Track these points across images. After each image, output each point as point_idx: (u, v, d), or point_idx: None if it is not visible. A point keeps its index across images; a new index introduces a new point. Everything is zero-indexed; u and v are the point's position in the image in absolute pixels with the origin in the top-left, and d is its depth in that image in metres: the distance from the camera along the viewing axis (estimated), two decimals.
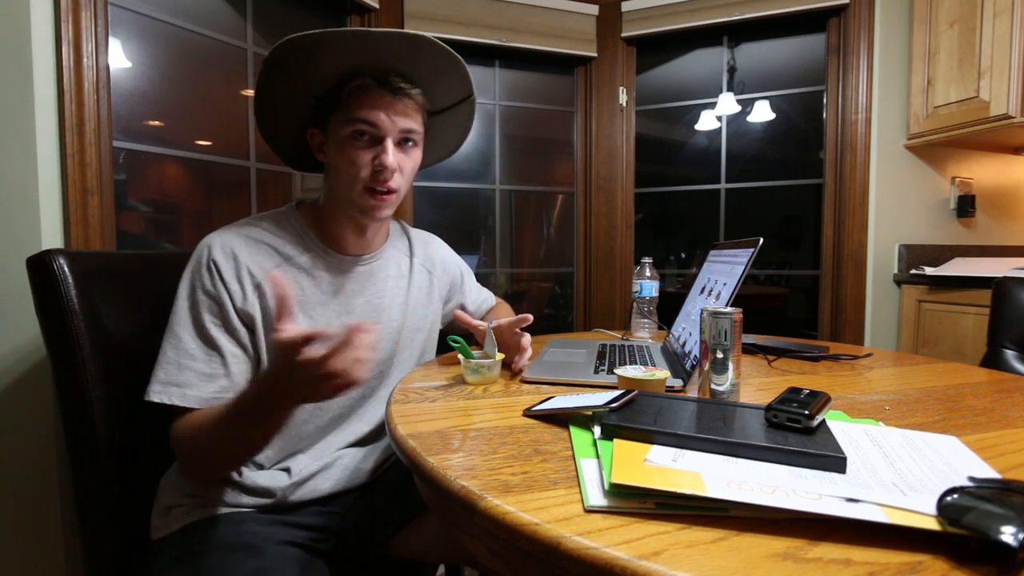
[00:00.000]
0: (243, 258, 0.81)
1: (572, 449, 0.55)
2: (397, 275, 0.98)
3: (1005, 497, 0.38)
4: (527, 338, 0.91)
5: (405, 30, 0.79)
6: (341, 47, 0.79)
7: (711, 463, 0.47)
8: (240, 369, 0.79)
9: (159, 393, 0.74)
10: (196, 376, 0.75)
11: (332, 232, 0.90)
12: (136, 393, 0.83)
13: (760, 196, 2.28)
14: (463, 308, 1.17)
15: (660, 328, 1.35)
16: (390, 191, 0.84)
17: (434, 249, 1.09)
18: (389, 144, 0.82)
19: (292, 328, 0.59)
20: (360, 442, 0.92)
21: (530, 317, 0.90)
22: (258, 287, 0.81)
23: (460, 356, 0.84)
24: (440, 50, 0.83)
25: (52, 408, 1.10)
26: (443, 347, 1.04)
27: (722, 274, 0.90)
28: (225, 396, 0.76)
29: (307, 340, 0.58)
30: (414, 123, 0.85)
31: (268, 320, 0.81)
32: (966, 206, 2.08)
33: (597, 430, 0.56)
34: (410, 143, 0.86)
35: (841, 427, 0.57)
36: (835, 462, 0.46)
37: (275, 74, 0.82)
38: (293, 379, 0.61)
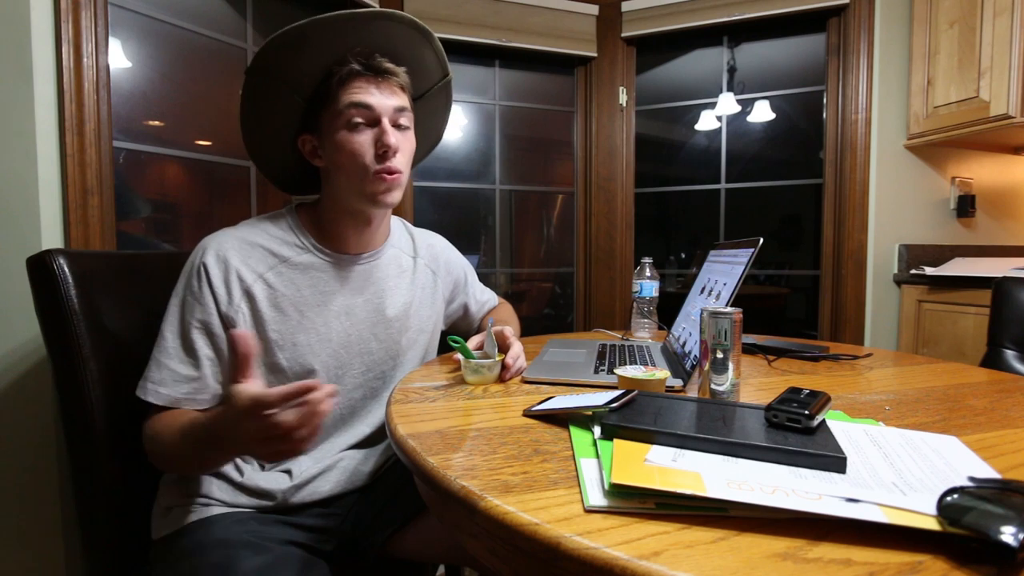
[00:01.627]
0: (234, 262, 0.81)
1: (572, 449, 0.55)
2: (398, 274, 0.97)
3: (1005, 497, 0.38)
4: (515, 349, 0.89)
5: (375, 8, 0.79)
6: (321, 40, 0.79)
7: (711, 463, 0.47)
8: (213, 372, 0.80)
9: (139, 388, 0.76)
10: (171, 375, 0.77)
11: (331, 232, 0.89)
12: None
13: (760, 196, 2.28)
14: (466, 308, 1.17)
15: (660, 328, 1.35)
16: (396, 171, 0.83)
17: (439, 249, 1.09)
18: (386, 123, 0.82)
19: (247, 388, 0.58)
20: (362, 444, 0.92)
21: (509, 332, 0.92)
22: (247, 292, 0.81)
23: (460, 356, 0.84)
24: (413, 25, 0.84)
25: (52, 408, 1.10)
26: (443, 347, 1.04)
27: (722, 274, 0.90)
28: (198, 398, 0.78)
29: (258, 403, 0.56)
30: (403, 102, 0.85)
31: (259, 324, 0.81)
32: (966, 206, 2.08)
33: (597, 430, 0.56)
34: (403, 124, 0.86)
35: (841, 427, 0.57)
36: (835, 462, 0.46)
37: (260, 80, 0.82)
38: (239, 433, 0.60)
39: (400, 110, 0.84)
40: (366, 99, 0.81)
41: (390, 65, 0.83)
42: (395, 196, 0.85)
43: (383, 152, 0.81)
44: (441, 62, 0.92)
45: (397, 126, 0.84)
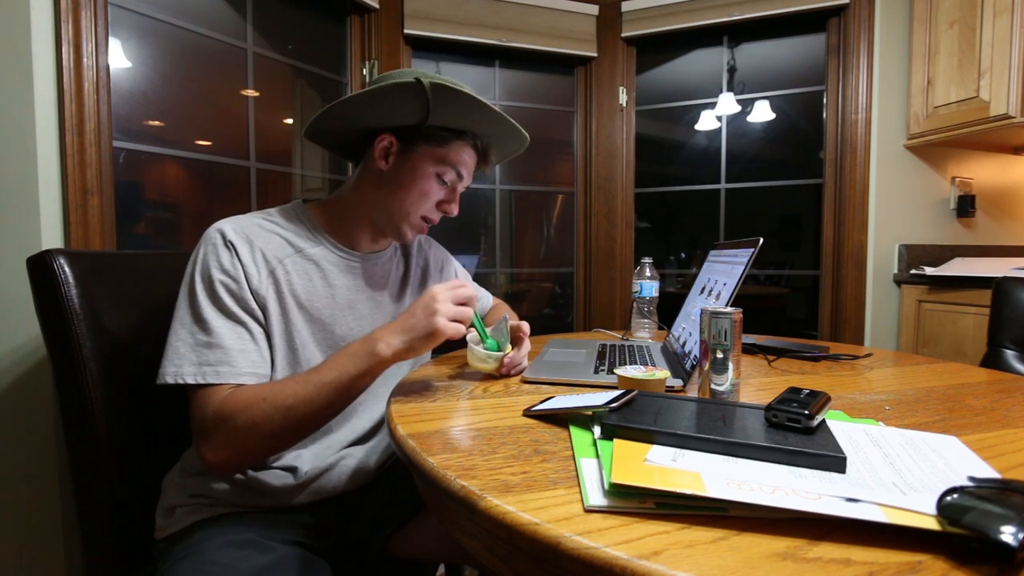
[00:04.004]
0: (258, 242, 0.81)
1: (572, 449, 0.54)
2: (397, 274, 1.00)
3: (1005, 497, 0.38)
4: (523, 349, 0.90)
5: (523, 131, 0.94)
6: (486, 118, 0.87)
7: (711, 463, 0.47)
8: (266, 345, 0.80)
9: (194, 374, 0.72)
10: (227, 353, 0.74)
11: (347, 231, 0.91)
12: (136, 393, 0.83)
13: (760, 196, 2.28)
14: None
15: (660, 328, 1.35)
16: (433, 224, 0.93)
17: (428, 249, 1.11)
18: (458, 194, 0.93)
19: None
20: (361, 439, 0.92)
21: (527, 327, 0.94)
22: (272, 272, 0.81)
23: (472, 338, 0.85)
24: (520, 147, 0.99)
25: (52, 408, 1.10)
26: (440, 347, 1.04)
27: (722, 274, 0.90)
28: (259, 371, 0.77)
29: (437, 288, 0.76)
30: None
31: (283, 306, 0.81)
32: (966, 206, 2.08)
33: (597, 430, 0.56)
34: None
35: (841, 427, 0.57)
36: (835, 462, 0.46)
37: (418, 91, 0.81)
38: (417, 313, 0.74)
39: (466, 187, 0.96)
40: (465, 172, 0.92)
41: (493, 160, 0.97)
42: (415, 238, 0.95)
43: (445, 210, 0.92)
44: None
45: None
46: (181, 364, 0.73)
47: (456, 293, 0.76)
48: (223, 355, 0.74)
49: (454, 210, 0.92)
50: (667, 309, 1.38)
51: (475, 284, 1.23)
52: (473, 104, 0.83)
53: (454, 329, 0.74)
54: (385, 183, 0.88)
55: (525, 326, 0.93)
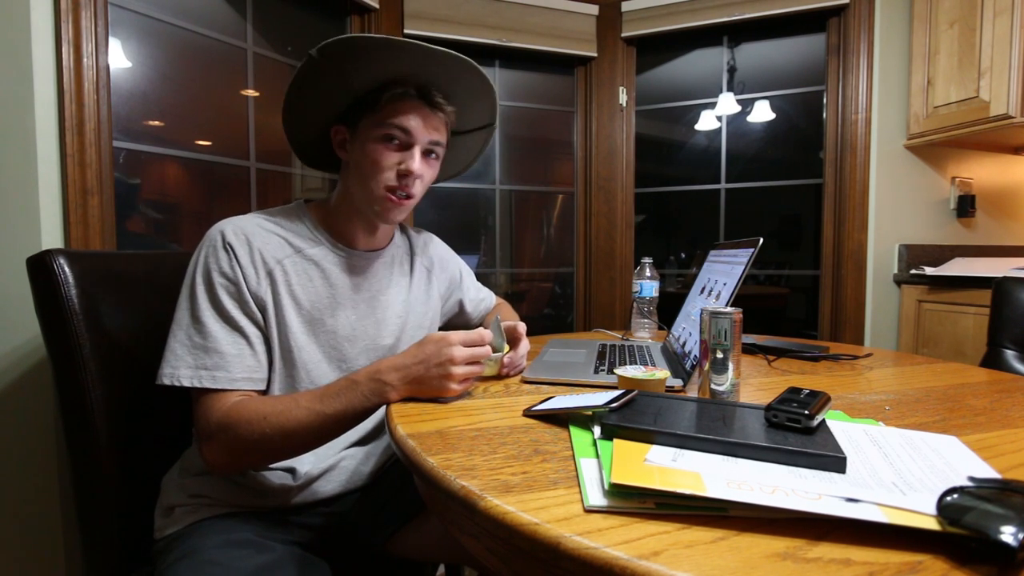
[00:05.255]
0: (256, 243, 0.81)
1: (572, 449, 0.55)
2: (400, 272, 0.99)
3: (1005, 497, 0.38)
4: (522, 348, 0.91)
5: (456, 53, 0.83)
6: (395, 54, 0.80)
7: (711, 463, 0.47)
8: (263, 349, 0.80)
9: (190, 377, 0.73)
10: (224, 359, 0.75)
11: (342, 229, 0.90)
12: (136, 393, 0.83)
13: (760, 196, 2.28)
14: (461, 306, 1.17)
15: (660, 328, 1.35)
16: (409, 196, 0.86)
17: (432, 247, 1.10)
18: (416, 152, 0.84)
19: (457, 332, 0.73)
20: (361, 441, 0.92)
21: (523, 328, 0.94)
22: (270, 274, 0.81)
23: None
24: (480, 76, 0.89)
25: (52, 408, 1.10)
26: None
27: (722, 274, 0.90)
28: (255, 377, 0.77)
29: (445, 336, 0.72)
30: (441, 137, 0.88)
31: (279, 308, 0.81)
32: (966, 206, 2.08)
33: (597, 430, 0.56)
34: (433, 155, 0.88)
35: (841, 427, 0.57)
36: (835, 462, 0.46)
37: (326, 66, 0.81)
38: (421, 357, 0.71)
39: (435, 143, 0.87)
40: (408, 125, 0.83)
41: (441, 101, 0.86)
42: (398, 215, 0.88)
43: (405, 174, 0.84)
44: (492, 111, 0.96)
45: (425, 155, 0.87)
46: (177, 366, 0.73)
47: (474, 352, 0.73)
48: (219, 359, 0.74)
49: (413, 167, 0.83)
50: (667, 309, 1.38)
51: (478, 284, 1.23)
52: (374, 44, 0.78)
53: (462, 389, 0.74)
54: (351, 171, 0.88)
55: (521, 326, 0.93)
